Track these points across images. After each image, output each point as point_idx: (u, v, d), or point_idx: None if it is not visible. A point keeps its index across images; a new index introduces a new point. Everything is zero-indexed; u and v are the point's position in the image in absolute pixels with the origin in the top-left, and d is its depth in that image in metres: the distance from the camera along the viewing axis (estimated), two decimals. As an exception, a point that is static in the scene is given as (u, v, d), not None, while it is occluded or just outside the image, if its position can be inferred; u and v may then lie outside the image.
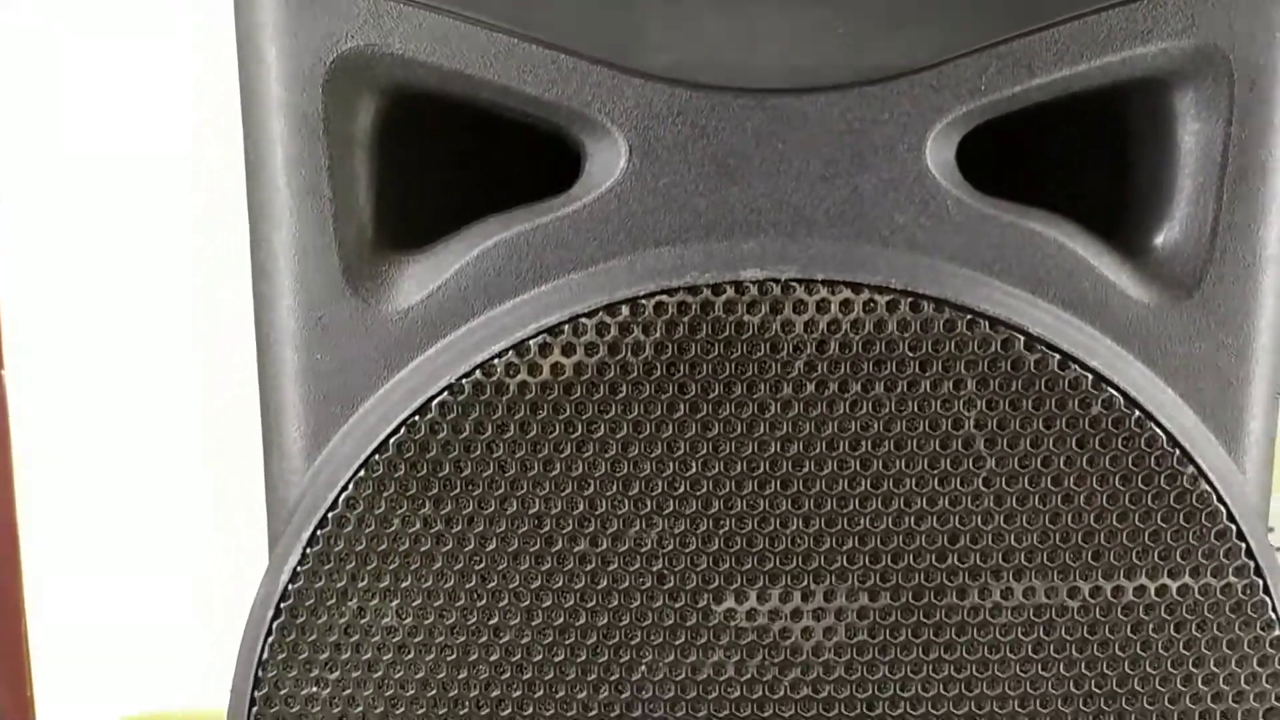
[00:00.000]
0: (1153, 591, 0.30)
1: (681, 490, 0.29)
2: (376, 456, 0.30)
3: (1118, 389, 0.29)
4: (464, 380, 0.29)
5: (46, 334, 0.67)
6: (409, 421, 0.30)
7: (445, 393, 0.29)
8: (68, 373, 0.68)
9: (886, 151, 0.29)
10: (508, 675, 0.31)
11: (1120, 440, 0.29)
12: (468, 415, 0.29)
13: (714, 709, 0.31)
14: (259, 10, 0.29)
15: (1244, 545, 0.30)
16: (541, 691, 0.31)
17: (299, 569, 0.30)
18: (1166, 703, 0.30)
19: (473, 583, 0.30)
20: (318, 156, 0.30)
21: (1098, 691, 0.30)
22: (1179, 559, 0.30)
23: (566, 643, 0.30)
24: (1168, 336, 0.30)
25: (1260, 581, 0.30)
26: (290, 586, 0.30)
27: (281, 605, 0.31)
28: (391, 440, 0.30)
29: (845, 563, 0.30)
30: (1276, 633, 0.30)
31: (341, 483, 0.30)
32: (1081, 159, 0.34)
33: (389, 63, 0.29)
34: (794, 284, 0.29)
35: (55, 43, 0.62)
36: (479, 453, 0.29)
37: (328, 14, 0.29)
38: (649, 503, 0.30)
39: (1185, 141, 0.30)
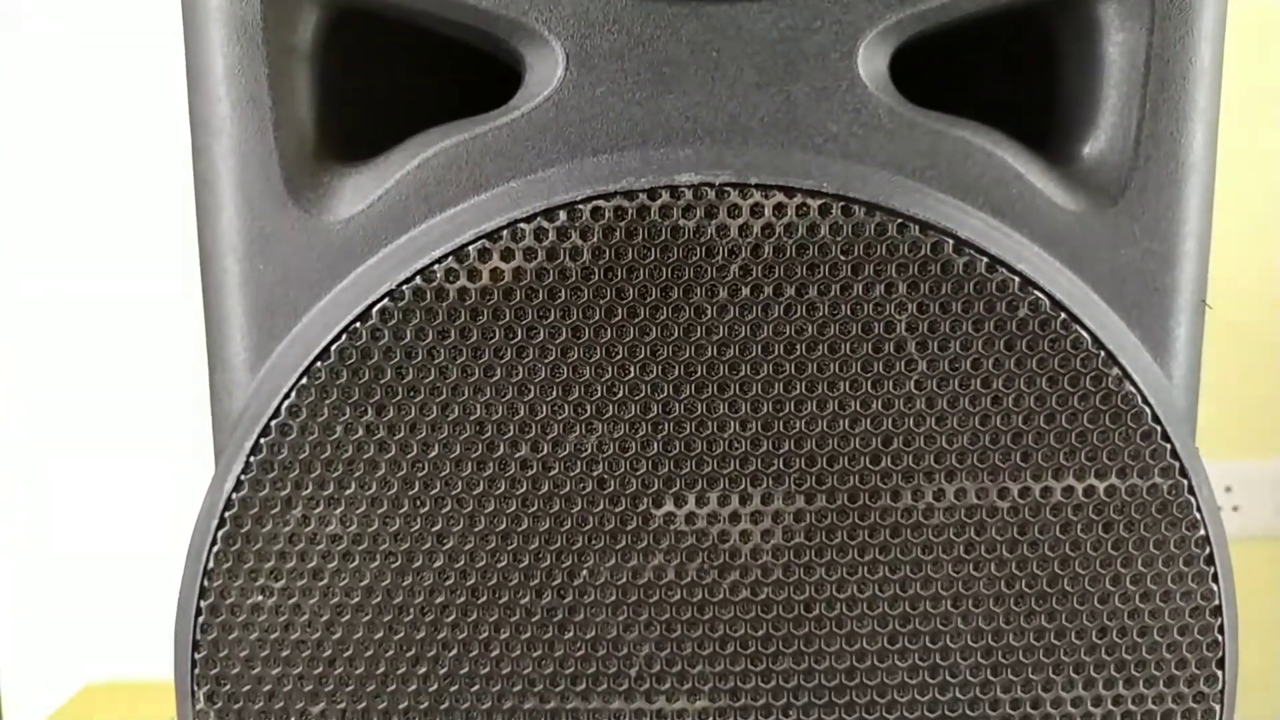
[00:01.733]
0: (1080, 492, 0.31)
1: (620, 395, 0.30)
2: (319, 364, 0.30)
3: (1044, 292, 0.29)
4: (404, 286, 0.30)
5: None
6: (350, 328, 0.30)
7: (386, 299, 0.30)
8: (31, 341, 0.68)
9: (819, 60, 0.30)
10: (451, 581, 0.31)
11: (1047, 342, 0.30)
12: (408, 321, 0.30)
13: (654, 612, 0.31)
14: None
15: (1169, 446, 0.30)
16: (485, 597, 0.31)
17: (243, 477, 0.31)
18: (1096, 601, 0.31)
19: (415, 489, 0.30)
20: (257, 65, 0.30)
21: (1028, 591, 0.31)
22: (1105, 460, 0.30)
23: (509, 548, 0.31)
24: (1094, 243, 0.31)
25: (1185, 482, 0.31)
26: (235, 495, 0.31)
27: (226, 514, 0.31)
28: (333, 347, 0.30)
29: (781, 466, 0.30)
30: (1201, 532, 0.31)
31: (284, 390, 0.30)
32: (1010, 71, 0.34)
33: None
34: (728, 189, 0.29)
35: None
36: (420, 359, 0.30)
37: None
38: (588, 408, 0.30)
39: (1109, 52, 0.30)
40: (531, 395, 0.30)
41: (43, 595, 0.72)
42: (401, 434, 0.30)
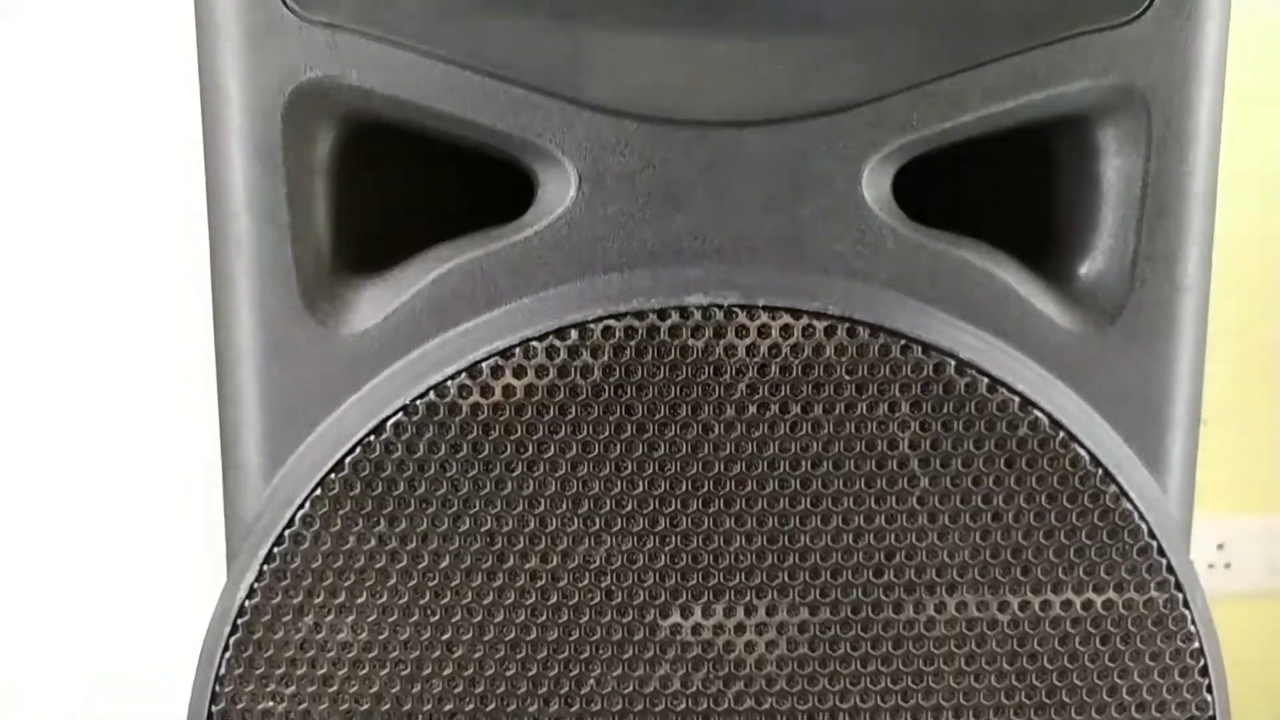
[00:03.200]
0: (1078, 605, 0.31)
1: (629, 508, 0.30)
2: (333, 475, 0.31)
3: (1043, 411, 0.30)
4: (418, 401, 0.30)
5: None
6: (364, 441, 0.30)
7: (400, 413, 0.30)
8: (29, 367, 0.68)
9: (825, 183, 0.30)
10: (461, 689, 0.31)
11: (1046, 460, 0.30)
12: (422, 435, 0.30)
13: (660, 720, 0.32)
14: (220, 40, 0.30)
15: (1164, 561, 0.31)
16: (494, 705, 0.32)
17: (256, 585, 0.31)
18: (1094, 712, 0.32)
19: (426, 599, 0.31)
20: (277, 184, 0.31)
21: (1027, 702, 0.32)
22: (1103, 574, 0.31)
23: (518, 657, 0.31)
24: (1092, 362, 0.31)
25: (1180, 595, 0.31)
26: (247, 603, 0.31)
27: (239, 621, 0.31)
28: (347, 460, 0.30)
29: (786, 578, 0.31)
30: (1196, 645, 0.32)
31: (299, 501, 0.31)
32: (1012, 191, 0.35)
33: (347, 94, 0.30)
34: (736, 309, 0.30)
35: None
36: (432, 472, 0.30)
37: (287, 46, 0.30)
38: (598, 520, 0.31)
39: (1107, 176, 0.31)
40: (542, 508, 0.30)
41: (46, 694, 0.72)
42: (413, 544, 0.31)
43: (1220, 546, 0.95)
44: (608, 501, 0.30)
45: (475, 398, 0.30)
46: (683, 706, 0.31)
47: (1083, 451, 0.30)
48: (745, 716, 0.32)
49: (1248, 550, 0.93)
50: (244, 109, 0.30)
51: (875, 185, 0.31)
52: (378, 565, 0.31)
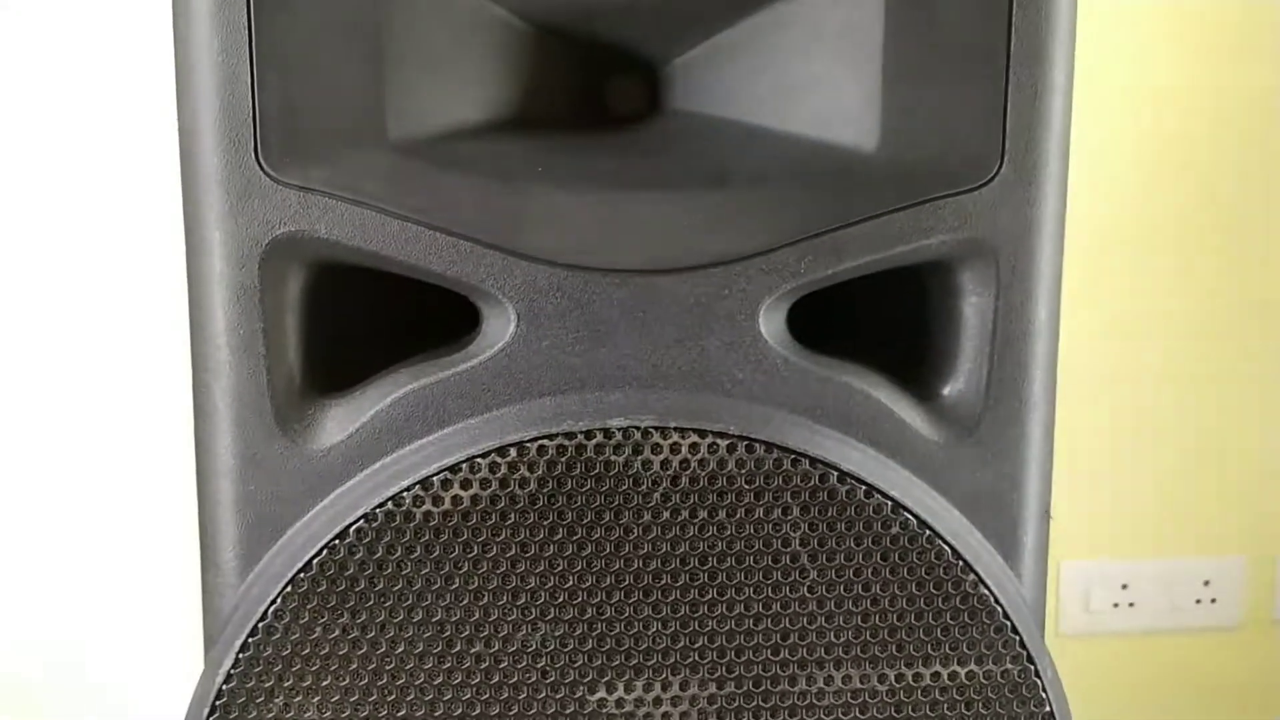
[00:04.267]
0: (945, 677, 0.37)
1: (560, 600, 0.35)
2: (302, 574, 0.35)
3: (912, 513, 0.36)
4: (378, 510, 0.35)
5: None
6: (330, 544, 0.35)
7: (362, 520, 0.35)
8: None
9: (727, 320, 0.36)
10: (414, 759, 0.36)
11: (915, 554, 0.36)
12: (381, 539, 0.35)
13: (589, 783, 0.36)
14: (203, 196, 0.35)
15: (1017, 638, 0.37)
16: (443, 772, 0.36)
17: (232, 671, 0.35)
18: None
19: (384, 681, 0.35)
20: (254, 321, 0.35)
21: None
22: (965, 649, 0.36)
23: (464, 730, 0.36)
24: (954, 468, 0.37)
25: (1032, 667, 0.37)
26: (224, 687, 0.35)
27: (216, 703, 0.35)
28: (315, 560, 0.35)
29: (696, 657, 0.36)
30: (1047, 708, 0.37)
31: (271, 596, 0.35)
32: (893, 318, 0.41)
33: (316, 245, 0.35)
34: (652, 430, 0.35)
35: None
36: (390, 570, 0.35)
37: (263, 205, 0.35)
38: (533, 610, 0.35)
39: (966, 312, 0.37)
40: (485, 601, 0.35)
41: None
42: (373, 634, 0.35)
43: (1125, 586, 1.02)
44: (542, 594, 0.35)
45: (428, 506, 0.35)
46: (608, 771, 0.36)
47: (945, 546, 0.36)
48: (663, 778, 0.36)
49: (1150, 589, 1.00)
50: (225, 257, 0.35)
51: (770, 321, 0.36)
52: (341, 653, 0.35)
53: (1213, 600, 1.01)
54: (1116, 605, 1.01)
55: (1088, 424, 0.92)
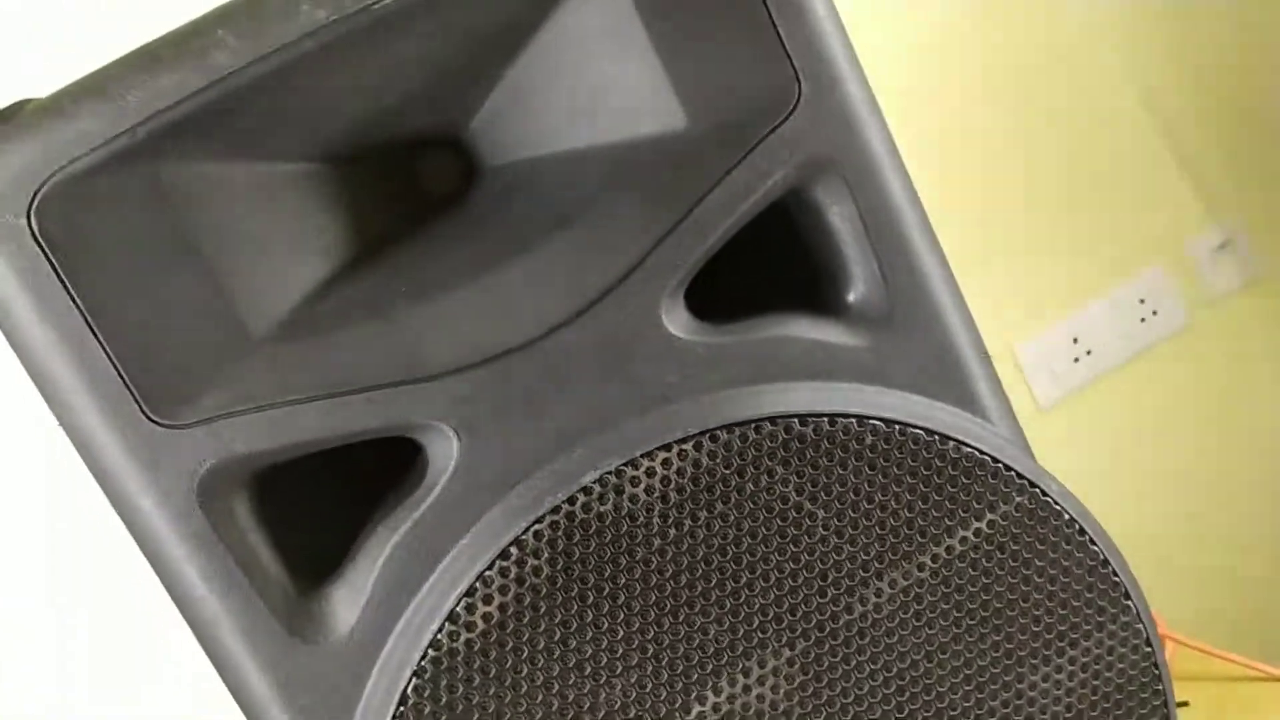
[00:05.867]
0: (971, 535, 0.39)
1: (619, 651, 0.37)
2: (386, 752, 0.36)
3: (879, 419, 0.38)
4: (423, 662, 0.36)
5: None
6: (399, 711, 0.36)
7: (414, 678, 0.36)
8: None
9: (636, 336, 0.37)
10: None
11: (897, 450, 0.38)
12: (438, 685, 0.36)
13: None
14: (118, 473, 0.35)
15: (1012, 473, 0.39)
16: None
17: None
18: (1012, 597, 0.40)
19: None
20: (222, 558, 0.35)
21: (972, 622, 0.39)
22: (976, 505, 0.39)
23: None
24: (888, 361, 0.39)
25: (1038, 490, 0.39)
26: None
27: None
28: (391, 733, 0.36)
29: (763, 633, 0.38)
30: (1066, 516, 0.40)
31: (369, 785, 0.36)
32: (784, 257, 0.42)
33: (241, 463, 0.35)
34: (623, 468, 0.36)
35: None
36: (456, 708, 0.36)
37: (176, 454, 0.35)
38: (601, 672, 0.37)
39: (833, 223, 0.39)
40: (544, 690, 0.36)
41: None
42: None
43: (1075, 340, 1.07)
44: (601, 655, 0.37)
45: (464, 636, 0.36)
46: (736, 769, 0.38)
47: (919, 431, 0.38)
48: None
49: (1100, 335, 1.05)
50: (166, 518, 0.35)
51: (674, 319, 0.38)
52: (456, 798, 0.36)
53: (1154, 313, 1.07)
54: (1077, 360, 1.06)
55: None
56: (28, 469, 0.71)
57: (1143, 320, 1.08)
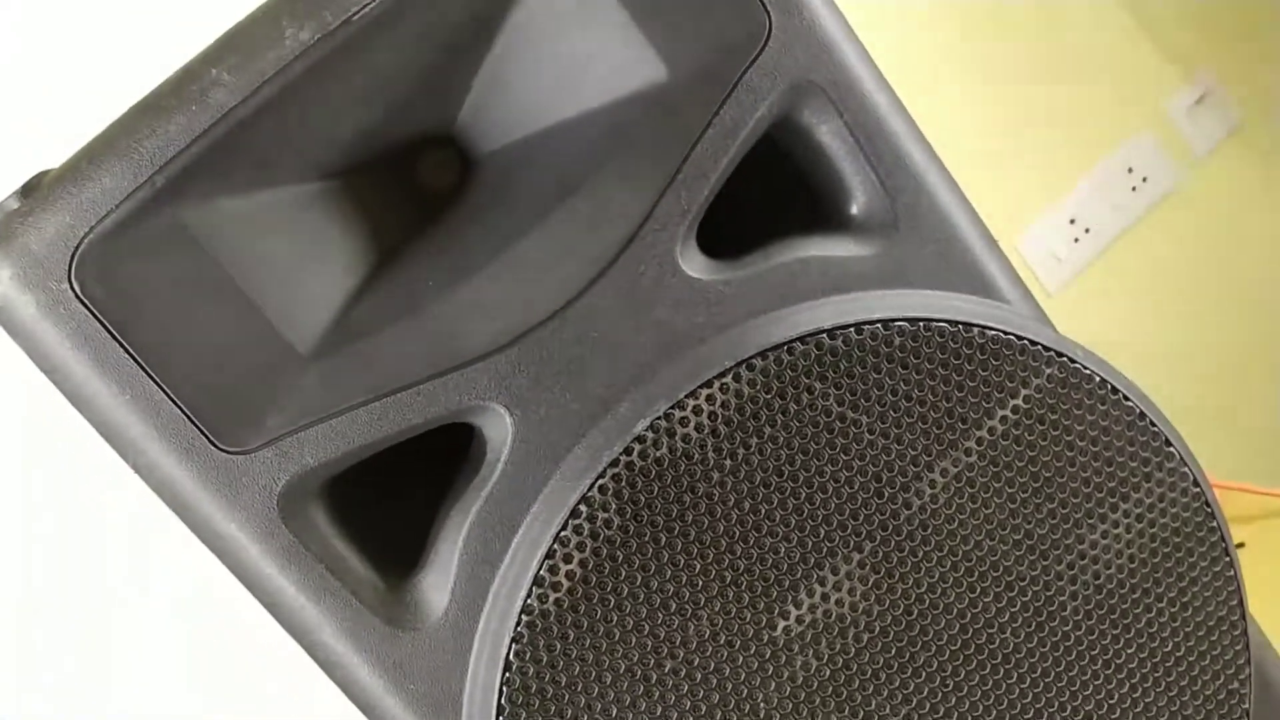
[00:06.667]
0: (1010, 411, 0.41)
1: (715, 588, 0.38)
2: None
3: (901, 319, 0.39)
4: (519, 629, 0.38)
5: None
6: (505, 678, 0.38)
7: (513, 644, 0.38)
8: None
9: (657, 285, 0.39)
10: None
11: (925, 345, 0.39)
12: (537, 646, 0.38)
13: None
14: (202, 508, 0.37)
15: (1049, 352, 0.40)
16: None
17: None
18: (1053, 476, 0.41)
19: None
20: (313, 568, 0.37)
21: (1020, 493, 0.41)
22: (1007, 383, 0.40)
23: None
24: (903, 264, 0.40)
25: (1078, 366, 0.41)
26: None
27: None
28: (503, 689, 0.38)
29: (827, 544, 0.40)
30: (1119, 395, 0.41)
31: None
32: (785, 184, 0.44)
33: (314, 474, 0.37)
34: (670, 411, 0.38)
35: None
36: (546, 662, 0.38)
37: (253, 478, 0.36)
38: (687, 606, 0.39)
39: (824, 141, 0.40)
40: (643, 615, 0.38)
41: None
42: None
43: (1073, 221, 1.08)
44: (683, 591, 0.38)
45: (553, 596, 0.38)
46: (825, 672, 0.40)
47: (943, 324, 0.39)
48: (883, 645, 0.40)
49: (1095, 211, 1.06)
50: (251, 538, 0.37)
51: (690, 260, 0.39)
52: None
53: (1144, 180, 1.08)
54: (1077, 240, 1.07)
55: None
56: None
57: (1134, 189, 1.09)
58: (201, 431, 0.36)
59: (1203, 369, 1.08)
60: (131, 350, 0.35)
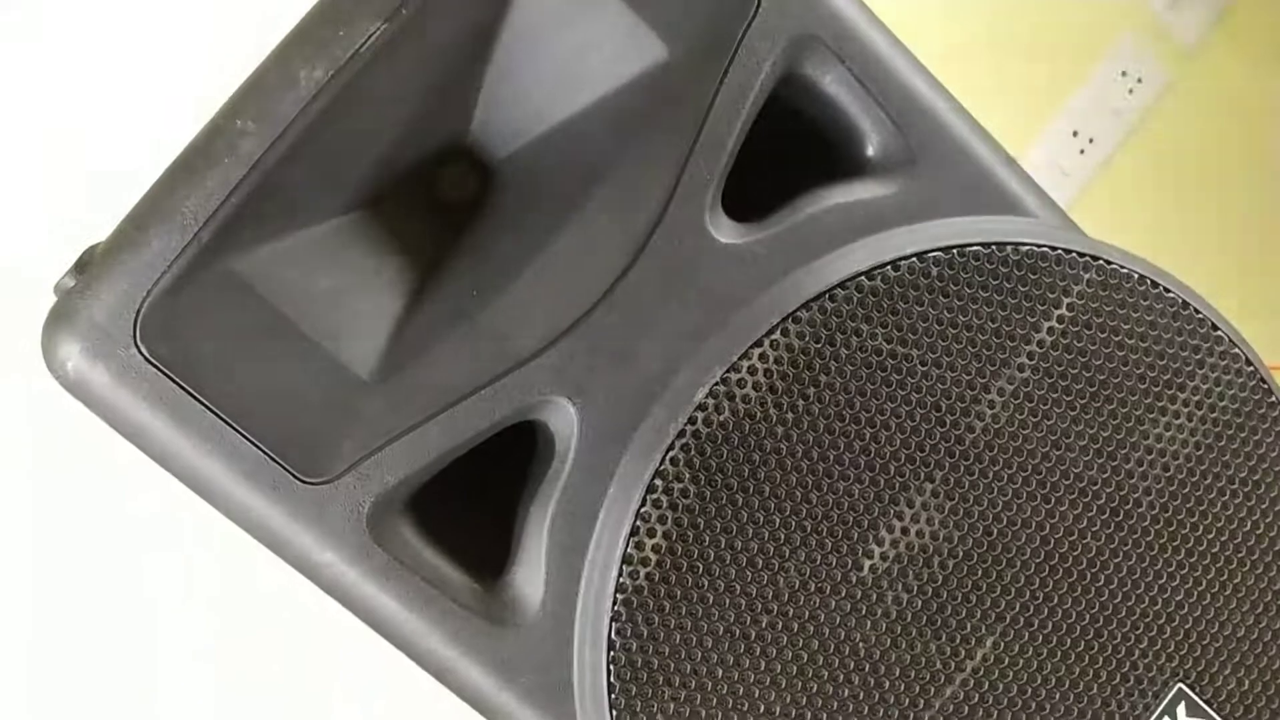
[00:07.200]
0: (1055, 325, 0.41)
1: (782, 534, 0.39)
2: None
3: (934, 250, 0.40)
4: (616, 607, 0.39)
5: None
6: (610, 657, 0.39)
7: (612, 623, 0.39)
8: None
9: (697, 257, 0.39)
10: None
11: (962, 270, 0.40)
12: (636, 622, 0.39)
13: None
14: (298, 542, 0.38)
15: (1084, 258, 0.41)
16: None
17: None
18: (1107, 378, 0.42)
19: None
20: (410, 579, 0.39)
21: (1078, 399, 0.42)
22: (1049, 294, 0.41)
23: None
24: (924, 197, 0.41)
25: (1102, 261, 0.41)
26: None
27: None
28: (610, 667, 0.39)
29: (899, 478, 0.40)
30: (1138, 273, 0.42)
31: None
32: (799, 138, 0.44)
33: (396, 491, 0.38)
34: (727, 375, 0.39)
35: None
36: (656, 635, 0.39)
37: (340, 504, 0.38)
38: (774, 561, 0.40)
39: (830, 90, 0.41)
40: (732, 576, 0.39)
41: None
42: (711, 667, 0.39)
43: (1075, 133, 1.08)
44: (768, 547, 0.39)
45: (643, 571, 0.39)
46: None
47: (976, 247, 0.40)
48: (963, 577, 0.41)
49: (1098, 121, 1.06)
50: (347, 561, 0.38)
51: (720, 228, 0.40)
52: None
53: (1139, 80, 1.08)
54: (1083, 151, 1.07)
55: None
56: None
57: (1130, 91, 1.08)
58: (285, 469, 0.37)
59: (1234, 255, 1.08)
60: (206, 402, 0.36)
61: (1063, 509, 0.42)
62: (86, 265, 0.37)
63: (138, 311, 0.36)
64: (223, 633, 0.71)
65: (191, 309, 0.36)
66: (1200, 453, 0.43)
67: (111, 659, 0.71)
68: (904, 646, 0.41)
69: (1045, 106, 1.04)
